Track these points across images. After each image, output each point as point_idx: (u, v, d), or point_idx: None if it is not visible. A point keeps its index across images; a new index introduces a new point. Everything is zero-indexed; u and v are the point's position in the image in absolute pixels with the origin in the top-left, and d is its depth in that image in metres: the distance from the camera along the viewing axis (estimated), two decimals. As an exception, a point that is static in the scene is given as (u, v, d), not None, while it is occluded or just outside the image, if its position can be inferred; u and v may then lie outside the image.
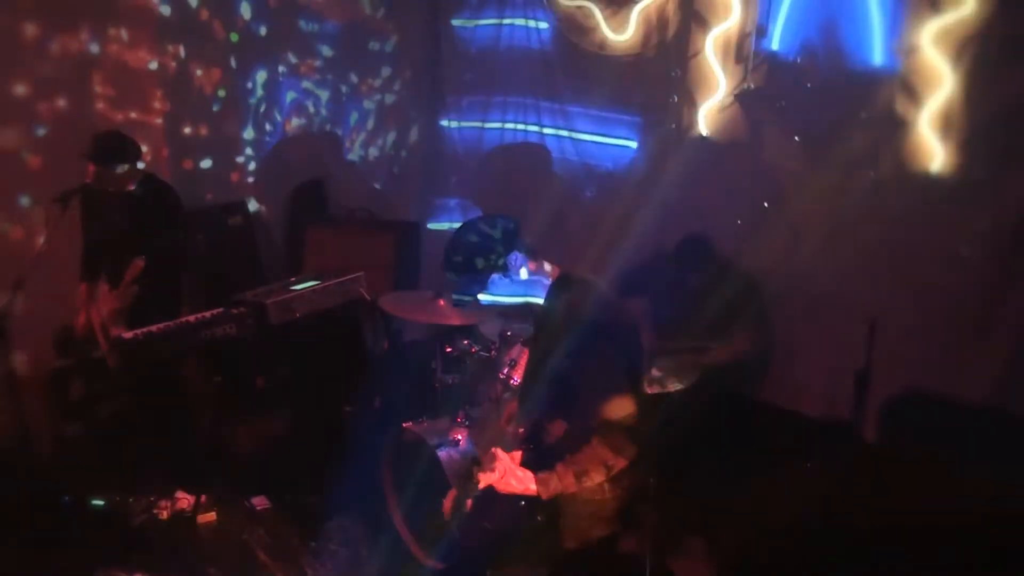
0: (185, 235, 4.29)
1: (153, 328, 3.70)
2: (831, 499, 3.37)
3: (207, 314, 3.83)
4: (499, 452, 2.56)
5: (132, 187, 4.03)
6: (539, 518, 3.00)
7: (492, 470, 2.52)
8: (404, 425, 3.56)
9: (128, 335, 3.64)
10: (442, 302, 3.80)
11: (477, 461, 2.65)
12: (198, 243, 5.07)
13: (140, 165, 4.05)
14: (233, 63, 5.24)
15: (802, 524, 3.29)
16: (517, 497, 2.63)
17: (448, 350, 3.92)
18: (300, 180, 5.77)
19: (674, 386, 3.46)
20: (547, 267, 2.69)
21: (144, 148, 4.24)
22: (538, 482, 2.50)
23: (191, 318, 3.82)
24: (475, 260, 2.55)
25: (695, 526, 3.58)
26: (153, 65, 4.84)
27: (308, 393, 4.50)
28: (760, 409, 4.19)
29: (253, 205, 5.51)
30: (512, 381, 3.71)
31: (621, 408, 2.45)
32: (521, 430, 2.74)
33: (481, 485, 2.55)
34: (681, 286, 4.16)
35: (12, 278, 3.68)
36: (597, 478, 2.48)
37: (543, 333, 2.63)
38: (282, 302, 3.96)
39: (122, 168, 3.93)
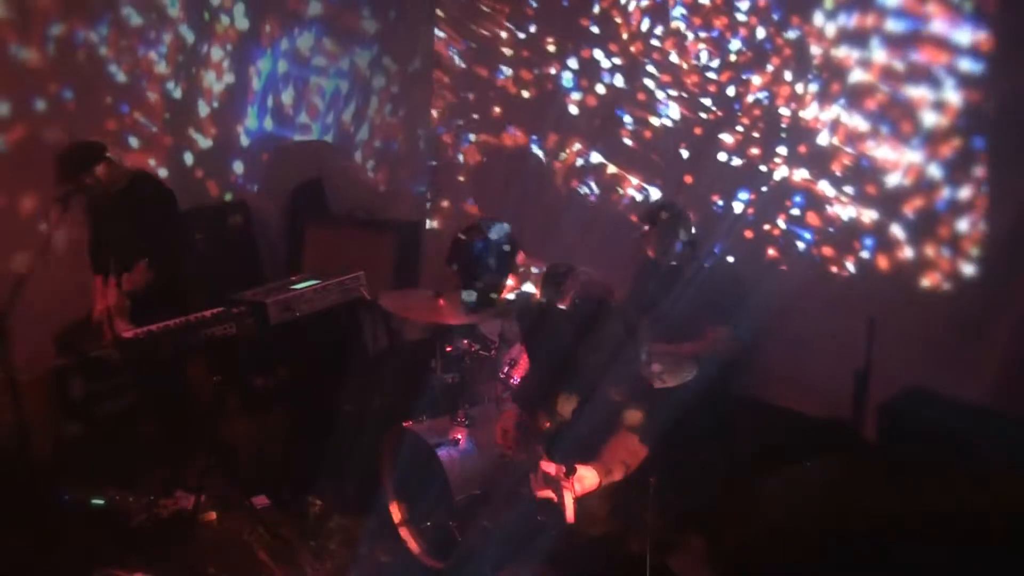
0: (181, 232, 4.31)
1: (153, 327, 3.70)
2: (831, 499, 3.37)
3: (207, 313, 3.83)
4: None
5: (122, 184, 4.07)
6: (539, 518, 3.00)
7: None
8: (404, 425, 3.56)
9: (129, 334, 3.64)
10: (442, 301, 3.80)
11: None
12: (198, 243, 5.08)
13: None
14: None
15: (802, 524, 3.29)
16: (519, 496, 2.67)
17: (448, 350, 3.92)
18: (300, 180, 5.78)
19: (673, 382, 3.45)
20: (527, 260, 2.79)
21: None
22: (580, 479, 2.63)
23: (191, 317, 3.82)
24: (487, 262, 2.67)
25: (695, 526, 3.57)
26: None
27: (308, 393, 4.50)
28: (760, 409, 4.19)
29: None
30: (512, 381, 3.71)
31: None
32: (548, 424, 2.79)
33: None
34: (655, 271, 4.09)
35: (12, 278, 3.69)
36: (618, 475, 2.58)
37: (545, 320, 2.72)
38: (282, 302, 3.96)
39: (90, 173, 3.95)
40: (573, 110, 5.38)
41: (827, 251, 4.33)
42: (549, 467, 2.64)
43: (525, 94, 5.63)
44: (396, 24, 6.04)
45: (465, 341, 3.92)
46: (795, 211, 4.43)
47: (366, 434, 3.93)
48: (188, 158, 5.16)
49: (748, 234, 4.59)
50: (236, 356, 3.98)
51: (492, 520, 3.11)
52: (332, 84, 5.84)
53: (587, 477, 2.59)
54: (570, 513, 2.53)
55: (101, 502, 3.80)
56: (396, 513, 3.59)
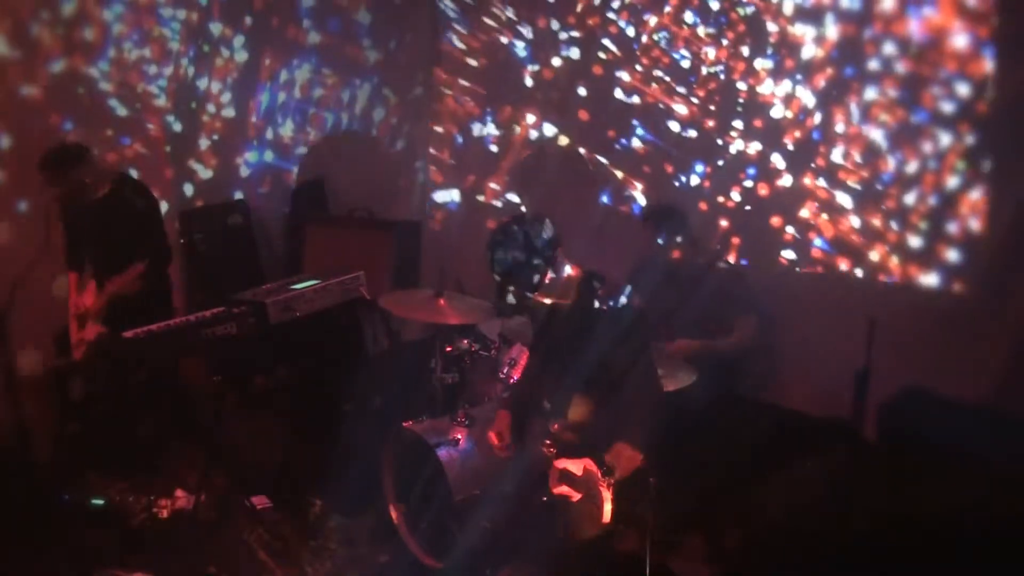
0: (163, 237, 4.31)
1: (154, 327, 3.70)
2: (831, 499, 3.37)
3: (207, 313, 3.84)
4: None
5: (103, 190, 4.07)
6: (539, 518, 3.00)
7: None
8: (404, 425, 3.56)
9: (130, 334, 3.65)
10: (442, 301, 3.80)
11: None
12: (197, 242, 5.09)
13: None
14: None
15: (802, 524, 3.28)
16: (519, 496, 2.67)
17: (448, 349, 3.92)
18: (300, 180, 5.78)
19: (674, 385, 3.46)
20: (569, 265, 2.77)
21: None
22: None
23: (192, 317, 3.82)
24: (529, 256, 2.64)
25: (695, 526, 3.57)
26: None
27: (308, 393, 4.50)
28: (760, 409, 4.19)
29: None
30: (512, 380, 3.71)
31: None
32: (556, 427, 2.78)
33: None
34: (672, 276, 4.12)
35: (12, 278, 3.70)
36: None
37: (575, 326, 2.70)
38: (282, 302, 3.96)
39: (72, 173, 3.93)
40: (528, 82, 5.51)
41: (776, 220, 4.46)
42: (575, 466, 2.62)
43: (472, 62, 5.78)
44: (396, 54, 6.04)
45: (465, 341, 3.93)
46: (748, 183, 4.55)
47: (366, 434, 3.93)
48: (188, 189, 5.23)
49: (703, 206, 4.72)
50: (236, 356, 3.97)
51: (492, 520, 3.10)
52: (332, 116, 5.86)
53: (635, 456, 2.62)
54: (608, 513, 2.51)
55: (101, 502, 3.80)
56: (396, 513, 3.59)
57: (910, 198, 3.99)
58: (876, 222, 4.11)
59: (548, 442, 2.77)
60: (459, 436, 3.44)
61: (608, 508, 2.51)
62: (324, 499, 3.86)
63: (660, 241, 4.03)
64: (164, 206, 4.96)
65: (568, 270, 2.76)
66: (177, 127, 5.09)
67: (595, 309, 2.67)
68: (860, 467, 3.65)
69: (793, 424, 4.14)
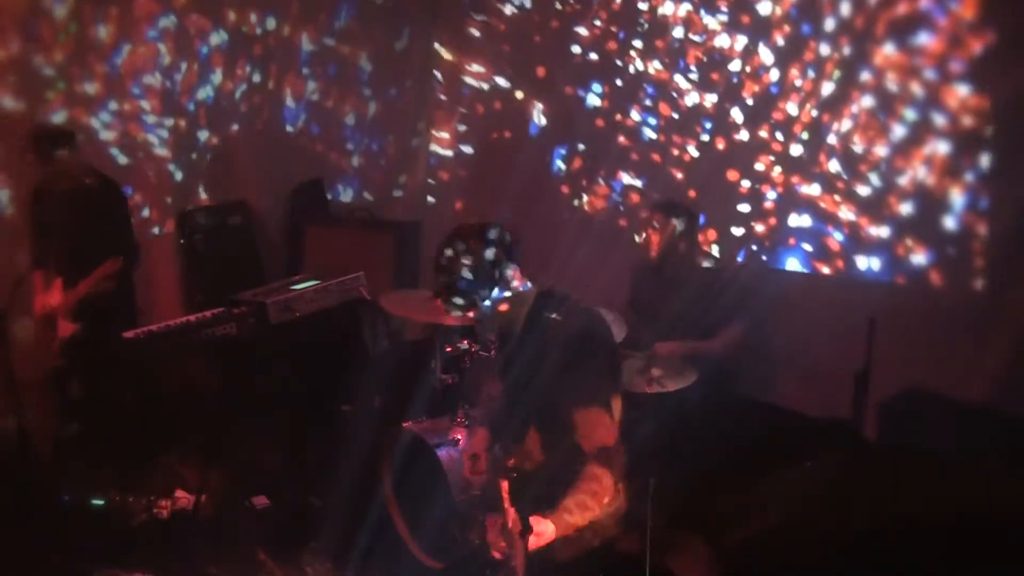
0: (131, 235, 4.30)
1: (154, 327, 3.71)
2: (831, 499, 3.37)
3: (207, 314, 3.84)
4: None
5: (78, 180, 4.03)
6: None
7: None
8: (404, 425, 3.56)
9: (130, 334, 3.65)
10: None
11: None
12: (197, 242, 5.09)
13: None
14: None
15: (802, 524, 3.29)
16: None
17: (448, 350, 3.92)
18: (300, 180, 5.78)
19: (674, 386, 3.46)
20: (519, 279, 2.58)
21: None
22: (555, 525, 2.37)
23: (192, 317, 3.83)
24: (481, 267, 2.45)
25: (695, 526, 3.57)
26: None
27: (308, 393, 4.50)
28: (760, 409, 4.19)
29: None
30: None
31: (603, 429, 2.40)
32: (512, 461, 2.54)
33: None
34: (665, 275, 4.08)
35: (12, 277, 3.70)
36: (595, 509, 2.42)
37: (525, 348, 2.50)
38: (282, 302, 3.97)
39: (60, 153, 3.91)
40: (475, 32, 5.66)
41: (732, 176, 4.58)
42: (509, 516, 2.33)
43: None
44: (397, 102, 6.04)
45: (465, 341, 3.92)
46: (704, 137, 4.68)
47: (366, 434, 3.93)
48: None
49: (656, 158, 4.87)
50: (236, 356, 3.97)
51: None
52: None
53: (545, 532, 2.39)
54: (520, 570, 2.33)
55: (101, 502, 3.80)
56: (396, 514, 3.59)
57: (858, 148, 4.09)
58: (825, 172, 4.21)
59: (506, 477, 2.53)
60: (459, 436, 3.43)
61: (521, 567, 2.30)
62: (324, 499, 3.86)
63: (676, 231, 3.99)
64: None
65: (516, 282, 2.54)
66: (178, 176, 5.11)
67: (545, 332, 2.45)
68: (860, 467, 3.66)
69: (792, 424, 4.14)
